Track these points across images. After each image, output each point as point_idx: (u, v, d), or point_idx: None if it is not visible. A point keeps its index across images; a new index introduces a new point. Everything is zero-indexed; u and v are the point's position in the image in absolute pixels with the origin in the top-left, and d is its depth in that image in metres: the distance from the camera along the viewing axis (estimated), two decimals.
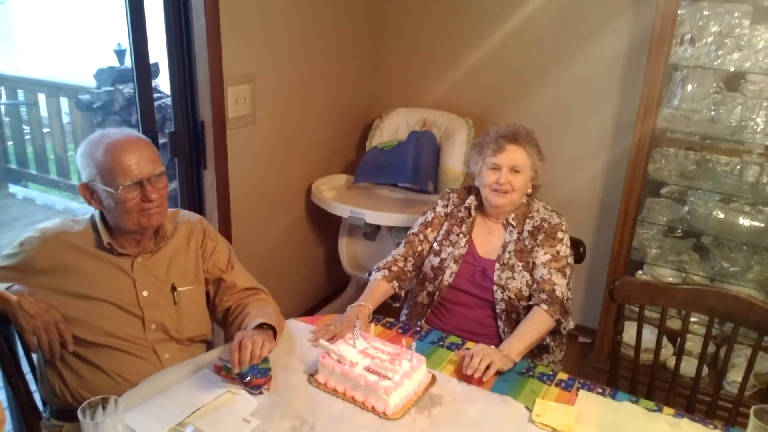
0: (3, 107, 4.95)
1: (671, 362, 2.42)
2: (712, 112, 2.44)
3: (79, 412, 1.10)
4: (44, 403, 1.58)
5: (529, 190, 1.88)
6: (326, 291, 3.35)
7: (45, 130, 4.83)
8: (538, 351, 1.84)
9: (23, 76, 5.00)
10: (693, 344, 2.56)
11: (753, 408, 1.20)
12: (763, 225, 2.47)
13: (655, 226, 2.71)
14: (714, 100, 2.45)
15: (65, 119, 4.78)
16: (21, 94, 4.82)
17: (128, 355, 1.50)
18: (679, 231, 2.72)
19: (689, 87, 2.48)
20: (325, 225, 3.14)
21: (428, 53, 3.15)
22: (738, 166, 2.52)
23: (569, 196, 2.92)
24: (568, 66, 2.83)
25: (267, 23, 2.50)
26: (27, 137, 4.89)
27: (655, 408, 1.42)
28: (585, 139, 2.89)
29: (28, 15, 6.24)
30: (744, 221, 2.50)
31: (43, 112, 4.77)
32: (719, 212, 2.53)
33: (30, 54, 6.10)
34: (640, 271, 2.78)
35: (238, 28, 2.34)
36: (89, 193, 1.48)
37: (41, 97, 4.74)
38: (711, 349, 2.56)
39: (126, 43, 3.11)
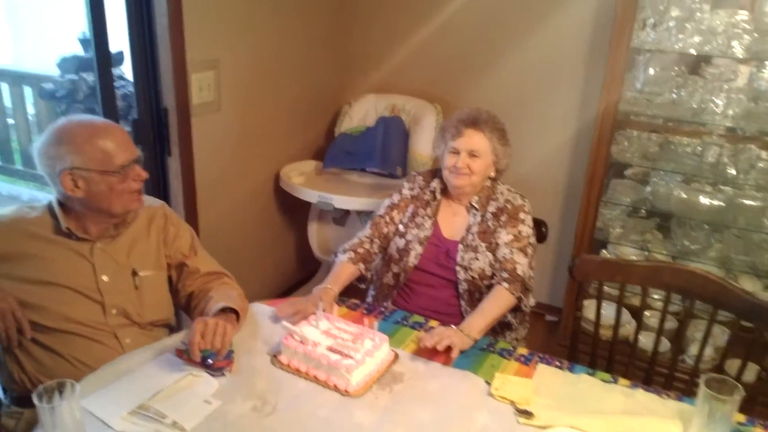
0: None
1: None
2: (674, 95, 2.49)
3: (34, 396, 1.09)
4: (4, 391, 1.57)
5: (492, 174, 1.90)
6: (297, 276, 3.36)
7: (9, 120, 4.74)
8: (500, 328, 1.87)
9: None
10: (657, 320, 2.62)
11: (703, 377, 1.23)
12: (722, 204, 2.53)
13: (619, 207, 2.76)
14: (676, 83, 2.50)
15: (30, 109, 4.69)
16: None
17: (88, 340, 1.49)
18: (643, 211, 2.78)
19: (651, 70, 2.53)
20: (295, 211, 3.13)
21: (396, 39, 3.15)
22: (699, 148, 2.57)
23: (535, 177, 2.95)
24: (534, 49, 2.86)
25: (231, 8, 2.47)
26: None
27: (611, 380, 1.46)
28: (551, 122, 2.93)
29: None
30: (704, 200, 2.56)
31: (7, 102, 4.67)
32: (681, 192, 2.58)
33: None
34: (604, 251, 2.84)
35: (201, 14, 2.31)
36: (73, 181, 1.44)
37: (4, 87, 4.64)
38: (674, 324, 2.63)
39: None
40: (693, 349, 2.52)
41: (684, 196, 2.58)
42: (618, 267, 1.74)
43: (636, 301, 2.50)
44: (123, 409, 1.27)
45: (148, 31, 2.23)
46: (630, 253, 2.76)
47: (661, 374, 1.79)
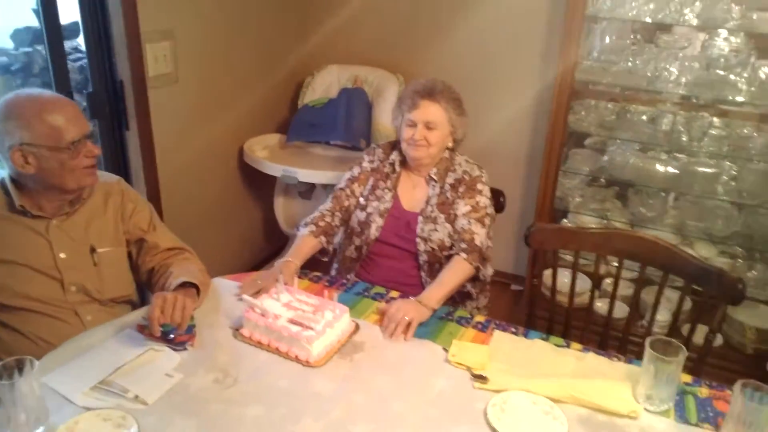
0: None
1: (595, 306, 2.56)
2: (630, 64, 2.53)
3: None
4: None
5: (450, 144, 1.92)
6: (265, 251, 3.36)
7: None
8: (460, 298, 1.91)
9: None
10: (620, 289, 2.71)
11: (648, 339, 1.29)
12: (677, 172, 2.60)
13: (578, 176, 2.82)
14: (631, 52, 2.54)
15: None
16: None
17: (49, 317, 1.49)
18: (602, 180, 2.84)
19: (607, 38, 2.56)
20: (260, 185, 3.12)
21: (356, 7, 3.12)
22: (654, 116, 2.63)
23: (496, 146, 2.99)
24: (492, 17, 2.86)
25: None
26: None
27: (564, 344, 1.52)
28: (510, 91, 2.96)
29: None
30: (660, 168, 2.63)
31: None
32: (637, 160, 2.65)
33: None
34: (564, 220, 2.90)
35: None
36: (23, 157, 1.41)
37: None
38: (632, 291, 2.71)
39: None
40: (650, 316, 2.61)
41: (640, 164, 2.65)
42: (571, 235, 1.80)
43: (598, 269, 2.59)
44: (85, 385, 1.28)
45: (100, 2, 2.18)
46: (589, 222, 2.82)
47: (616, 338, 1.86)
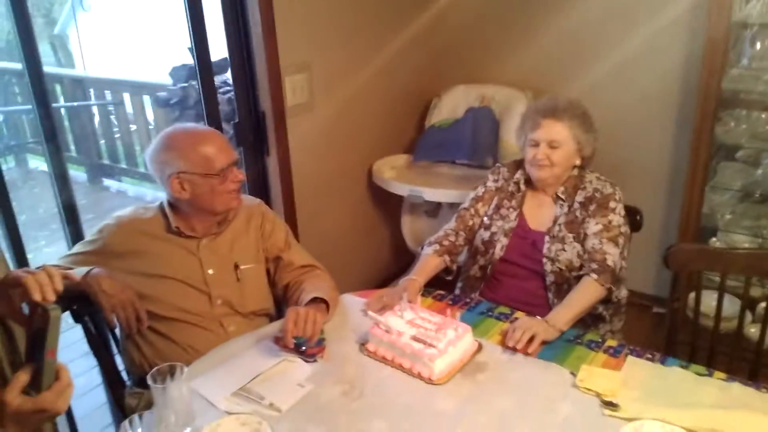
0: (95, 108, 5.37)
1: (747, 331, 2.33)
2: None
3: (149, 378, 1.23)
4: (128, 374, 1.76)
5: (577, 162, 1.86)
6: (392, 270, 3.43)
7: (132, 127, 5.19)
8: (592, 320, 1.84)
9: (109, 78, 5.37)
10: None
11: None
12: None
13: (728, 192, 2.59)
14: None
15: (150, 116, 5.12)
16: (108, 95, 5.19)
17: (197, 327, 1.65)
18: (757, 195, 2.59)
19: (758, 45, 2.35)
20: (388, 205, 3.21)
21: (486, 27, 3.13)
22: None
23: (634, 163, 2.83)
24: (628, 28, 2.73)
25: (319, 12, 2.58)
26: (116, 135, 5.27)
27: (706, 372, 1.40)
28: (648, 104, 2.79)
29: (110, 20, 6.67)
30: None
31: (129, 110, 5.12)
32: None
33: (113, 57, 6.53)
34: (714, 239, 2.67)
35: (292, 19, 2.43)
36: (179, 183, 1.59)
37: (126, 97, 5.09)
38: None
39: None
40: None
41: None
42: (716, 255, 1.67)
43: (752, 292, 2.35)
44: (227, 391, 1.39)
45: (245, 39, 2.38)
46: (742, 241, 2.59)
47: None
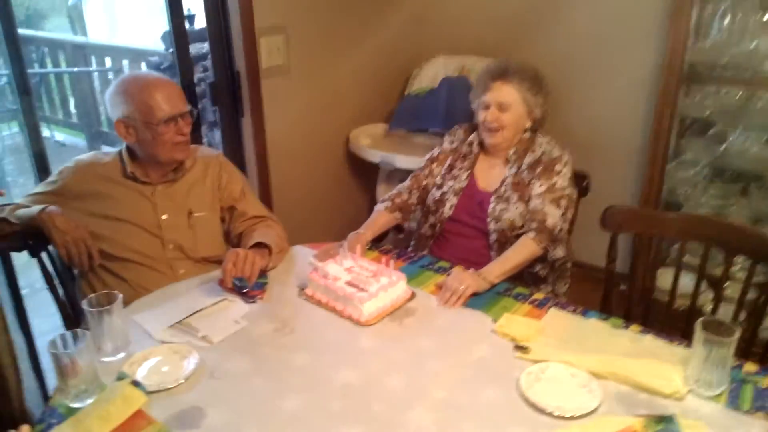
0: (96, 74, 5.45)
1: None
2: (752, 45, 2.32)
3: (84, 303, 1.31)
4: None
5: (528, 124, 1.90)
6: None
7: None
8: (533, 281, 1.89)
9: (110, 44, 5.44)
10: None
11: (700, 320, 1.22)
12: None
13: (693, 168, 2.62)
14: (752, 35, 2.32)
15: None
16: (108, 61, 5.26)
17: (148, 269, 1.72)
18: (717, 171, 2.61)
19: (727, 19, 2.36)
20: (365, 173, 3.26)
21: None
22: None
23: (605, 134, 2.86)
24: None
25: None
26: None
27: (622, 325, 1.46)
28: (620, 76, 2.80)
29: None
30: None
31: None
32: (762, 151, 2.41)
33: (112, 25, 6.60)
34: None
35: None
36: (125, 128, 1.67)
37: (125, 64, 5.16)
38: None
39: (194, 8, 3.38)
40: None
41: (765, 155, 2.41)
42: (650, 218, 1.71)
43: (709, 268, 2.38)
44: (165, 324, 1.48)
45: (222, 1, 2.44)
46: None
47: None
